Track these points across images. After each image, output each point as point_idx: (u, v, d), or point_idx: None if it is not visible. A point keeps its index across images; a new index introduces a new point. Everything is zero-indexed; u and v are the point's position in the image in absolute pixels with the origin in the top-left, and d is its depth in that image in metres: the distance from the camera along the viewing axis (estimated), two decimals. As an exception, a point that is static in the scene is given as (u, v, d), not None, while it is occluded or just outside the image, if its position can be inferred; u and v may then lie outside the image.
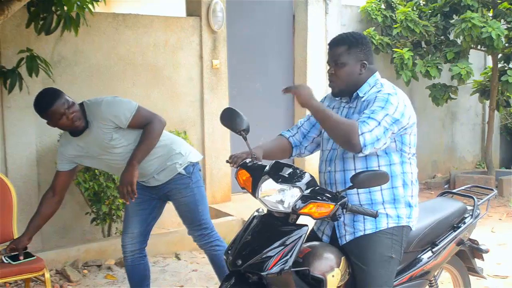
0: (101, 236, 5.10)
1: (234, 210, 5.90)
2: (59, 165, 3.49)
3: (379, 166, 2.63)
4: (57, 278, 4.53)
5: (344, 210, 2.44)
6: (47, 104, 3.32)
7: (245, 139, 2.75)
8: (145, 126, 3.35)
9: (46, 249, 4.76)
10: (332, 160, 2.73)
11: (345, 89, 2.72)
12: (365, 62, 2.69)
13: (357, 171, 2.60)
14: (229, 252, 2.51)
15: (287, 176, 2.48)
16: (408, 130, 2.65)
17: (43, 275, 3.60)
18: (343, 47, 2.69)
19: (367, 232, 2.65)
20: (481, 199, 3.42)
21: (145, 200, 3.54)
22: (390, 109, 2.54)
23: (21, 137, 4.74)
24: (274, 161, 2.61)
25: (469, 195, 3.42)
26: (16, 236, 3.81)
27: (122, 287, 4.48)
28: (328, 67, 2.74)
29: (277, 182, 2.46)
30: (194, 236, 3.60)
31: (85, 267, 4.75)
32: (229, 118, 2.78)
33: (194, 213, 3.53)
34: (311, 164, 6.57)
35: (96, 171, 4.63)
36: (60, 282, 4.49)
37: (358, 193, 2.65)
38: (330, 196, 2.44)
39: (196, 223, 3.55)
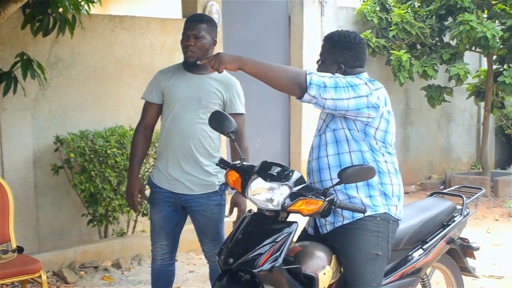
0: (97, 237, 5.10)
1: (227, 211, 5.85)
2: None
3: (350, 152, 2.64)
4: (54, 279, 4.53)
5: (333, 207, 2.47)
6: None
7: (233, 140, 2.81)
8: None
9: (42, 250, 4.76)
10: (310, 153, 2.80)
11: None
12: (342, 65, 2.72)
13: (329, 157, 2.66)
14: (221, 252, 2.53)
15: (276, 174, 2.52)
16: (372, 123, 2.62)
17: (39, 276, 3.61)
18: (327, 44, 2.78)
19: (346, 221, 2.65)
20: (470, 198, 3.47)
21: (168, 214, 3.41)
22: (353, 79, 2.57)
23: (18, 139, 4.74)
24: (262, 160, 2.65)
25: (459, 194, 3.47)
26: (13, 238, 3.83)
27: (118, 288, 4.52)
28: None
29: (266, 180, 2.50)
30: (208, 249, 3.46)
31: (82, 269, 4.75)
32: (218, 120, 2.85)
33: (217, 230, 3.43)
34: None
35: (92, 172, 4.64)
36: (57, 284, 4.50)
37: (331, 178, 2.64)
38: (318, 193, 2.48)
39: (217, 240, 3.42)
